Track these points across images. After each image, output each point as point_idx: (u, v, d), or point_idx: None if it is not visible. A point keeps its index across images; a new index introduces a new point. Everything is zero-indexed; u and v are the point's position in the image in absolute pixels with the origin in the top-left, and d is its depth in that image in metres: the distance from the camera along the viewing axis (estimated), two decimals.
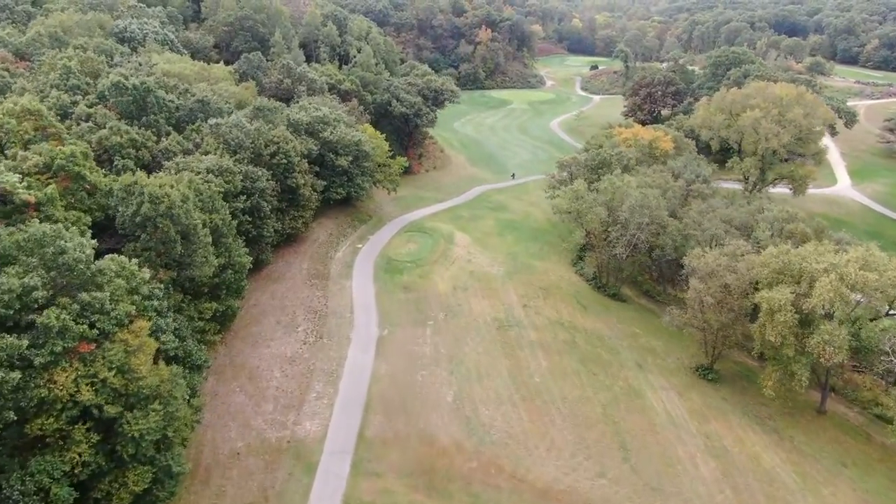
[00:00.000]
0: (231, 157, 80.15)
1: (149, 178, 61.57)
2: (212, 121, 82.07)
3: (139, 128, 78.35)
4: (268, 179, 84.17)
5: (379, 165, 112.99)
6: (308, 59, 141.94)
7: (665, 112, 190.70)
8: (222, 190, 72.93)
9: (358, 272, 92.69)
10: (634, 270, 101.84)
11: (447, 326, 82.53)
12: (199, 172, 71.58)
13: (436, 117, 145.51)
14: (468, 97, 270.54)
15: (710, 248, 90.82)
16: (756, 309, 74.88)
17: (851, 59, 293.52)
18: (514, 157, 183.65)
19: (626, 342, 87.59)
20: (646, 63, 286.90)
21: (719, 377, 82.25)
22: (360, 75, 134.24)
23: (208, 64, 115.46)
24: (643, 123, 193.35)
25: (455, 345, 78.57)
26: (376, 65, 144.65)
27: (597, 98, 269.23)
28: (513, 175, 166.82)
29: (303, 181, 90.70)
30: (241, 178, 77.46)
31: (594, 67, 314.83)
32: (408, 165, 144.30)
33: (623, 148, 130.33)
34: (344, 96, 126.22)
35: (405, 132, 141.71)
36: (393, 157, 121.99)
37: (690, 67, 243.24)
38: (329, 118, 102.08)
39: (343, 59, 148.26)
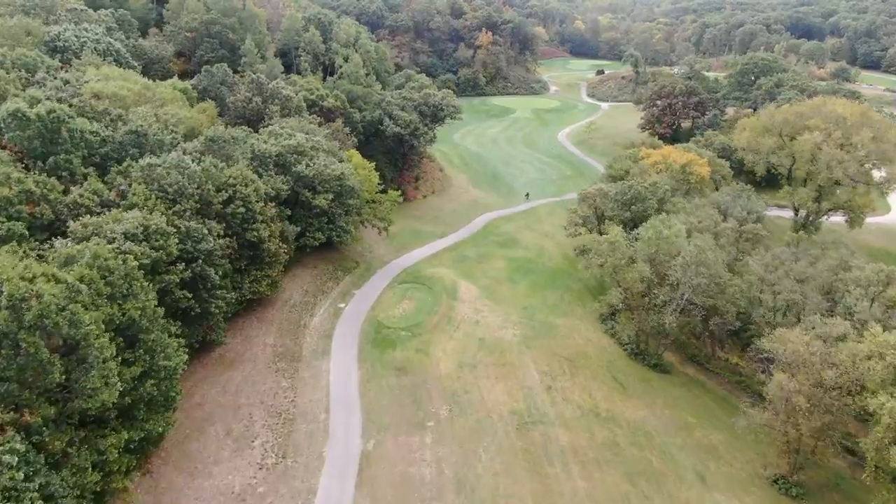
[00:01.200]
0: (168, 209, 59.77)
1: (12, 263, 41.04)
2: (144, 161, 61.61)
3: (42, 172, 57.98)
4: (219, 236, 63.86)
5: (368, 201, 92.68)
6: (287, 70, 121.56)
7: (685, 124, 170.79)
8: (148, 260, 52.64)
9: (338, 347, 72.32)
10: (681, 334, 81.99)
11: (452, 428, 62.31)
12: (112, 240, 51.20)
13: (435, 136, 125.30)
14: (468, 105, 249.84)
15: (785, 315, 70.89)
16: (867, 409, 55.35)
17: (873, 64, 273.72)
18: (520, 175, 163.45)
19: (679, 438, 67.64)
20: (656, 68, 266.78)
21: (805, 492, 62.56)
22: (347, 89, 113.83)
23: (164, 79, 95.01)
24: (662, 137, 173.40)
25: (464, 459, 58.36)
26: (366, 75, 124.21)
27: (605, 106, 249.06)
28: (526, 195, 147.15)
29: (268, 232, 70.37)
30: (178, 240, 57.09)
31: (600, 72, 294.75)
32: (402, 192, 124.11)
33: (654, 174, 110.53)
34: (327, 115, 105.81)
35: (399, 153, 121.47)
36: (384, 189, 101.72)
37: (707, 73, 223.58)
38: (305, 147, 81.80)
39: (328, 70, 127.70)
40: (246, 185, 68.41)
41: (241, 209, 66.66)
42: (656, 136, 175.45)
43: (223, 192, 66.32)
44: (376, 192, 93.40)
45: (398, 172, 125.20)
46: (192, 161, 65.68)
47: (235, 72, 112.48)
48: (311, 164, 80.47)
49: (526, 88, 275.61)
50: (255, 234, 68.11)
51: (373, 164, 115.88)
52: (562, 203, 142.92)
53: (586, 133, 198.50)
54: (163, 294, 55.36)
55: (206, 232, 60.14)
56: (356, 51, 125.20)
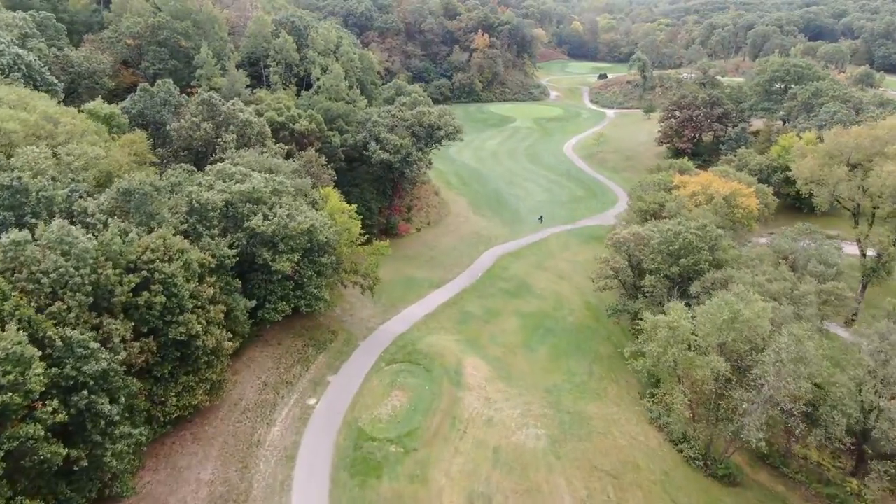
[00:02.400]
0: (41, 309, 39.38)
1: None
2: (6, 237, 41.07)
3: None
4: (123, 340, 43.45)
5: (354, 243, 72.31)
6: (255, 84, 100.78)
7: (706, 137, 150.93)
8: None
9: (303, 477, 51.81)
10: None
11: None
12: None
13: (430, 162, 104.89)
14: (464, 112, 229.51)
15: None
16: None
17: (892, 67, 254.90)
18: (526, 196, 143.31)
19: None
20: (662, 71, 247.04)
21: None
22: (325, 107, 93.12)
23: (97, 99, 74.23)
24: (682, 153, 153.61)
25: None
26: (349, 89, 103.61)
27: (610, 113, 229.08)
28: (540, 219, 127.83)
29: (204, 322, 49.90)
30: (48, 363, 36.73)
31: (602, 76, 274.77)
32: (392, 226, 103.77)
33: (692, 207, 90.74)
34: (299, 141, 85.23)
35: (388, 180, 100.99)
36: (370, 229, 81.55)
37: (721, 78, 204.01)
38: (263, 192, 61.34)
39: (303, 82, 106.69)
40: (170, 261, 47.86)
41: (161, 297, 46.09)
42: (675, 151, 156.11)
43: (134, 274, 45.75)
44: (359, 240, 72.77)
45: (387, 202, 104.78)
46: (89, 231, 45.09)
47: (189, 87, 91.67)
48: (271, 217, 59.98)
49: (525, 94, 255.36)
50: (184, 328, 47.57)
51: (357, 194, 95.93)
52: (576, 232, 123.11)
53: (595, 146, 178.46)
54: (18, 456, 35.04)
55: (95, 346, 39.60)
56: (337, 60, 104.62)
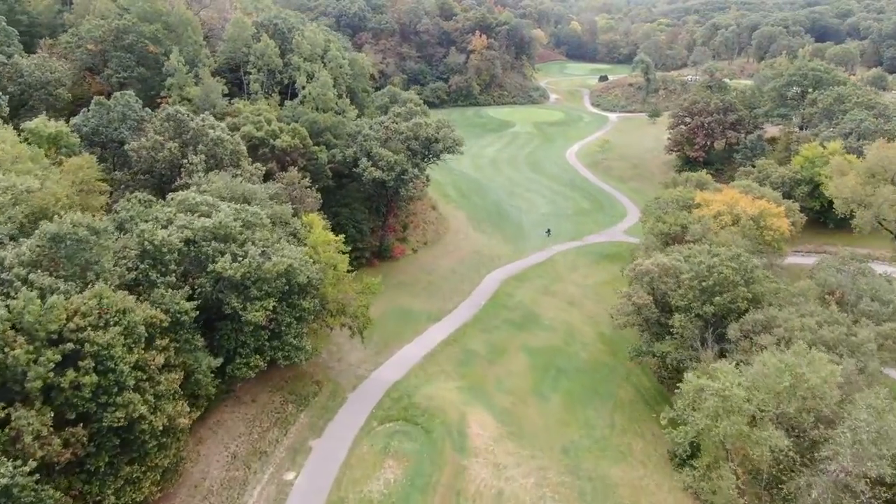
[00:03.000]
0: None
1: None
2: None
3: None
4: (38, 437, 33.65)
5: (338, 281, 62.47)
6: (234, 93, 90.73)
7: (719, 145, 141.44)
8: None
9: None
10: None
11: None
12: None
13: (428, 178, 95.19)
14: (461, 116, 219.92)
15: None
16: None
17: None
18: (529, 208, 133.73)
19: None
20: (666, 74, 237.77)
21: None
22: (311, 119, 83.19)
23: (54, 114, 64.18)
24: (694, 162, 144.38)
25: None
26: (338, 97, 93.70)
27: (613, 117, 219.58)
28: (547, 231, 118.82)
29: (149, 400, 40.08)
30: None
31: (603, 78, 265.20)
32: (386, 249, 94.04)
33: (718, 229, 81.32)
34: (280, 159, 75.35)
35: (382, 197, 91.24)
36: (358, 256, 71.98)
37: (728, 81, 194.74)
38: (232, 227, 51.59)
39: (288, 90, 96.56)
40: (106, 326, 38.05)
41: (92, 376, 36.28)
42: (686, 159, 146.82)
43: (56, 347, 35.92)
44: (347, 277, 62.95)
45: (381, 221, 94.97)
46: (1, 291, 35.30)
47: (159, 98, 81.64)
48: (242, 257, 50.19)
49: (524, 97, 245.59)
50: (123, 412, 37.76)
51: (346, 214, 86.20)
52: (584, 250, 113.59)
53: (600, 153, 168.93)
54: None
55: None
56: (324, 66, 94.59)
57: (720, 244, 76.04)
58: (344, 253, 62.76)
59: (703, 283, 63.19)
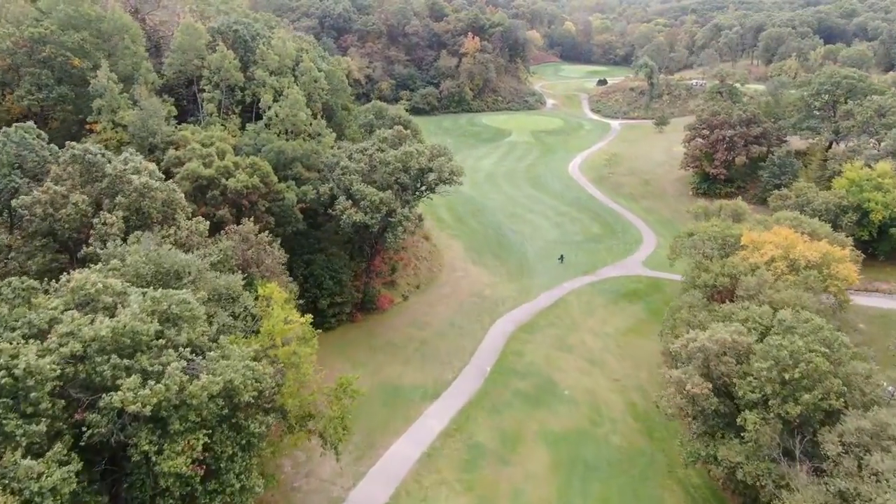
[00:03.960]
0: None
1: None
2: None
3: None
4: None
5: (301, 385, 46.08)
6: (185, 115, 74.03)
7: (739, 160, 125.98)
8: None
9: None
10: None
11: None
12: None
13: (420, 218, 79.10)
14: (453, 124, 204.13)
15: None
16: None
17: None
18: (532, 233, 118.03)
19: None
20: (669, 77, 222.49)
21: None
22: (276, 147, 66.74)
23: None
24: (714, 180, 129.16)
25: None
26: (313, 118, 77.22)
27: (615, 125, 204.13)
28: (560, 258, 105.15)
29: None
30: None
31: (602, 82, 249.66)
32: (370, 299, 77.83)
33: (772, 279, 65.84)
34: (235, 202, 58.95)
35: (366, 239, 74.85)
36: (333, 322, 55.80)
37: (739, 86, 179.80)
38: (141, 332, 35.25)
39: (252, 109, 79.69)
40: None
41: None
42: (704, 175, 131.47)
43: None
44: (314, 384, 46.60)
45: (365, 263, 78.66)
46: None
47: (86, 125, 64.87)
48: (155, 378, 33.95)
49: (519, 102, 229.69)
50: None
51: (322, 262, 70.00)
52: (599, 286, 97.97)
53: (606, 166, 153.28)
54: None
55: None
56: (296, 80, 78.02)
57: (782, 303, 60.78)
58: (310, 339, 46.36)
59: (785, 374, 47.51)
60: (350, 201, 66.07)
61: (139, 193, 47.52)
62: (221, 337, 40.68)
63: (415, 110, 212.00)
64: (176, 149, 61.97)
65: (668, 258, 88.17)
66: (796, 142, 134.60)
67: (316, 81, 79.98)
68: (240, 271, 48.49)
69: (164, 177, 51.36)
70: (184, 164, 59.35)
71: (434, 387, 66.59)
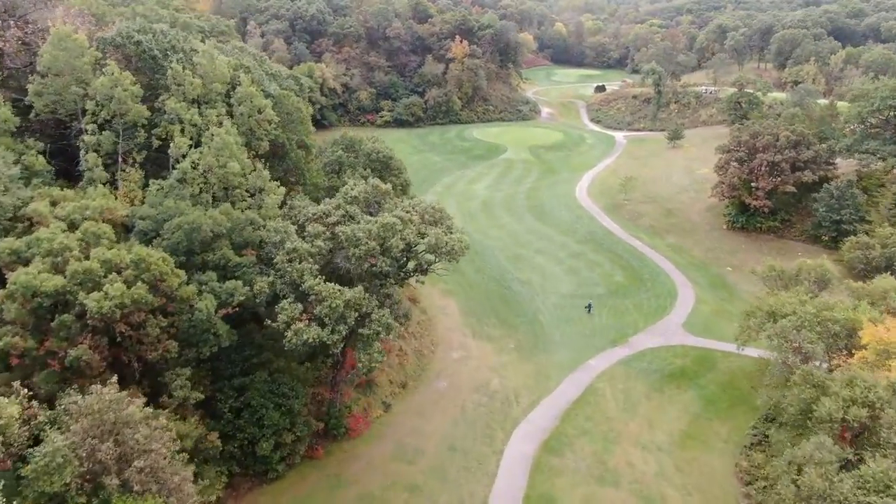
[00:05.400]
0: None
1: None
2: None
3: None
4: None
5: None
6: (67, 170, 49.60)
7: (788, 188, 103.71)
8: None
9: None
10: None
11: None
12: None
13: (407, 317, 55.47)
14: (440, 138, 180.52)
15: None
16: None
17: None
18: (543, 284, 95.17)
19: None
20: (676, 83, 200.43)
21: None
22: (188, 224, 42.98)
23: None
24: (755, 213, 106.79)
25: None
26: (257, 161, 53.34)
27: (620, 138, 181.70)
28: (588, 308, 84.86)
29: None
30: None
31: (600, 88, 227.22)
32: (338, 429, 54.17)
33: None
34: (106, 330, 35.04)
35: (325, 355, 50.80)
36: (279, 469, 31.88)
37: (760, 95, 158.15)
38: None
39: (161, 158, 54.56)
40: None
41: None
42: (741, 206, 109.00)
43: None
44: None
45: (331, 371, 54.91)
46: None
47: None
48: None
49: (512, 112, 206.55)
50: None
51: (262, 389, 46.49)
52: (636, 365, 75.17)
53: (621, 191, 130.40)
54: None
55: None
56: (229, 112, 53.98)
57: None
58: None
59: None
60: (300, 305, 42.37)
61: None
62: None
63: (398, 122, 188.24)
64: (20, 236, 37.86)
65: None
66: (844, 165, 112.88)
67: (260, 112, 56.11)
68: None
69: None
70: (24, 261, 35.32)
71: None
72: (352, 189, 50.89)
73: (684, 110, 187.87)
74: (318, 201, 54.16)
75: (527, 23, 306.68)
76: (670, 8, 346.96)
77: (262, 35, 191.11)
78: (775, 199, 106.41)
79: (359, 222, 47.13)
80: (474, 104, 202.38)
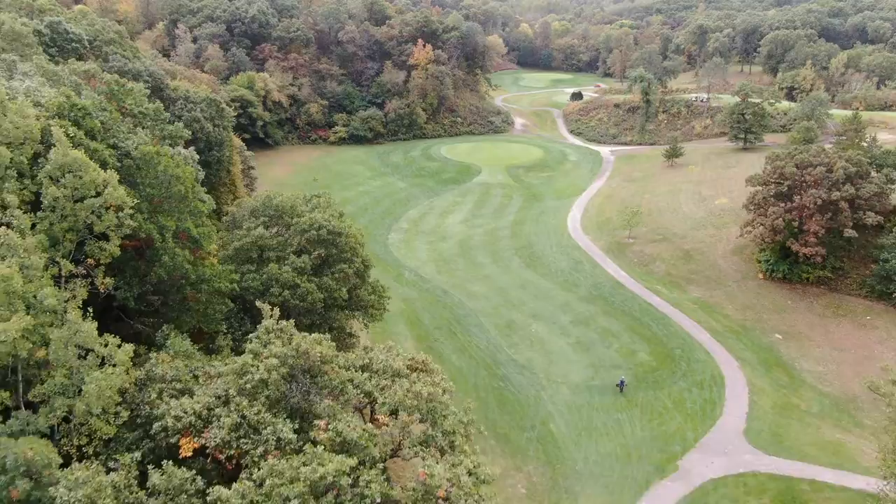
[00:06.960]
0: None
1: None
2: None
3: None
4: None
5: None
6: None
7: (848, 232, 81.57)
8: None
9: None
10: None
11: None
12: None
13: None
14: (403, 157, 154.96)
15: None
16: None
17: None
18: (546, 368, 71.03)
19: None
20: (663, 90, 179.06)
21: None
22: None
23: None
24: (807, 262, 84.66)
25: None
26: (60, 305, 27.79)
27: (606, 153, 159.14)
28: (620, 385, 60.82)
29: None
30: None
31: (576, 95, 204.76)
32: None
33: None
34: None
35: None
36: None
37: (762, 103, 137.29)
38: None
39: None
40: None
41: None
42: (784, 251, 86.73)
43: None
44: None
45: None
46: None
47: None
48: None
49: (483, 124, 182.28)
50: None
51: None
52: None
53: (623, 226, 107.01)
54: None
55: None
56: (39, 198, 28.41)
57: None
58: None
59: None
60: None
61: None
62: None
63: (354, 139, 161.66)
64: None
65: (775, 415, 43.35)
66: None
67: (98, 195, 30.25)
68: None
69: None
70: None
71: None
72: (257, 366, 25.20)
73: (674, 121, 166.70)
74: (210, 352, 28.27)
75: (490, 24, 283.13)
76: (638, 7, 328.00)
77: (195, 40, 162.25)
78: (836, 248, 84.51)
79: (266, 442, 21.44)
80: (440, 116, 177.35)
